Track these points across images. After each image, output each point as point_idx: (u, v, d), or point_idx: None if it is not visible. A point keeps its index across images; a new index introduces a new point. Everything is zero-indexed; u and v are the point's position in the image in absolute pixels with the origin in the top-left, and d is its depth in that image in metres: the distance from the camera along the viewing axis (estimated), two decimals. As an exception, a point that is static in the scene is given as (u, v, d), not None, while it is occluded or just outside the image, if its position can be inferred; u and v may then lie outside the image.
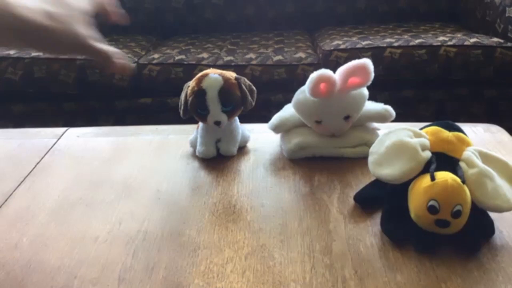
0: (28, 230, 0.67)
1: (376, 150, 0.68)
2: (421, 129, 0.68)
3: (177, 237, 0.65)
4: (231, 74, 0.79)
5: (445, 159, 0.62)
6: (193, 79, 0.80)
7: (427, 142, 0.64)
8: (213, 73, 0.79)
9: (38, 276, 0.58)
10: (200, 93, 0.77)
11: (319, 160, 0.82)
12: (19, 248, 0.64)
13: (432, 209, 0.57)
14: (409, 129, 0.66)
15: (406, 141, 0.64)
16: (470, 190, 0.59)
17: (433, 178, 0.58)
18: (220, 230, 0.66)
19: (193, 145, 0.85)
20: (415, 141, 0.64)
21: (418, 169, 0.62)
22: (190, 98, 0.78)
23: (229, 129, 0.82)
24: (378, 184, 0.69)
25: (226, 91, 0.78)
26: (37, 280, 0.58)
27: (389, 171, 0.64)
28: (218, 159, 0.83)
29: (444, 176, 0.58)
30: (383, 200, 0.67)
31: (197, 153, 0.83)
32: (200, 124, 0.83)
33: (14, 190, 0.77)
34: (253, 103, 0.82)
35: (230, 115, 0.79)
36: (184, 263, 0.60)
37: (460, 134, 0.66)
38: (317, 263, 0.59)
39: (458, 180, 0.58)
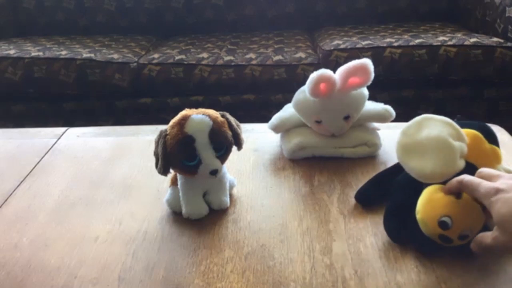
0: (28, 230, 0.67)
1: (411, 133, 0.61)
2: (463, 126, 0.62)
3: (177, 237, 0.65)
4: (215, 112, 0.67)
5: (474, 173, 0.57)
6: (170, 124, 0.66)
7: (465, 150, 0.59)
8: (196, 114, 0.65)
9: (38, 276, 0.58)
10: (186, 140, 0.64)
11: (319, 160, 0.82)
12: (19, 248, 0.64)
13: (443, 225, 0.55)
14: (452, 125, 0.60)
15: (449, 142, 0.59)
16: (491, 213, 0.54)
17: (459, 196, 0.55)
18: (220, 230, 0.66)
19: (173, 206, 0.70)
20: (457, 145, 0.59)
21: (449, 176, 0.57)
22: (173, 149, 0.64)
23: (217, 178, 0.68)
24: (379, 181, 0.68)
25: (217, 133, 0.65)
26: (37, 280, 0.58)
27: (419, 166, 0.59)
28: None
29: (469, 198, 0.55)
30: (385, 198, 0.66)
31: (185, 215, 0.68)
32: (179, 179, 0.69)
33: (14, 190, 0.77)
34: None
35: (223, 160, 0.67)
36: (184, 263, 0.60)
37: (497, 148, 0.62)
38: (317, 263, 0.58)
39: (479, 207, 0.54)
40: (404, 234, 0.61)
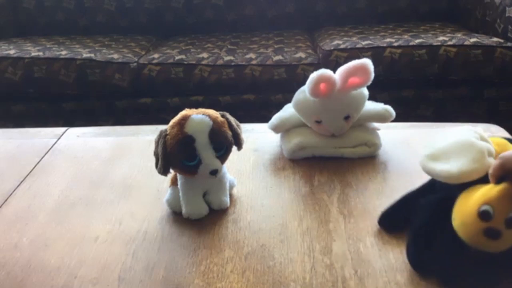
0: (28, 230, 0.67)
1: (433, 145, 0.60)
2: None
3: (177, 237, 0.65)
4: (215, 112, 0.67)
5: None
6: (170, 124, 0.66)
7: (493, 150, 0.57)
8: (196, 114, 0.65)
9: (38, 276, 0.58)
10: (186, 140, 0.63)
11: (319, 160, 0.82)
12: (19, 248, 0.64)
13: (484, 215, 0.50)
14: (476, 131, 0.59)
15: (473, 141, 0.57)
16: None
17: (497, 182, 0.51)
18: (220, 230, 0.66)
19: (173, 206, 0.70)
20: (483, 144, 0.57)
21: (480, 173, 0.54)
22: (173, 149, 0.64)
23: (217, 178, 0.68)
24: (404, 204, 0.64)
25: (217, 133, 0.65)
26: (37, 280, 0.58)
27: (447, 167, 0.56)
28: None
29: (506, 183, 0.51)
30: (410, 222, 0.61)
31: (185, 215, 0.68)
32: (179, 179, 0.69)
33: (14, 190, 0.77)
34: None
35: (223, 160, 0.67)
36: (184, 263, 0.60)
37: None
38: (317, 263, 0.59)
39: None
40: (426, 260, 0.56)
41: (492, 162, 0.54)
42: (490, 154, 0.56)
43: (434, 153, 0.59)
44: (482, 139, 0.58)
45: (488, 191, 0.51)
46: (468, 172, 0.54)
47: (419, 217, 0.59)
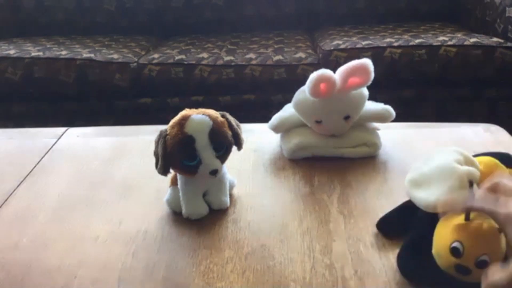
0: (28, 230, 0.67)
1: (418, 167, 0.59)
2: (475, 155, 0.59)
3: (177, 237, 0.65)
4: (215, 112, 0.67)
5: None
6: (170, 124, 0.66)
7: (475, 174, 0.55)
8: (196, 114, 0.65)
9: (38, 276, 0.59)
10: (186, 140, 0.63)
11: (319, 160, 0.82)
12: (19, 248, 0.64)
13: (455, 251, 0.50)
14: (460, 152, 0.57)
15: (452, 167, 0.55)
16: (509, 242, 0.49)
17: (467, 218, 0.50)
18: (220, 230, 0.66)
19: (173, 206, 0.69)
20: (463, 169, 0.55)
21: (459, 203, 0.53)
22: (173, 149, 0.64)
23: (217, 178, 0.68)
24: (403, 210, 0.63)
25: (217, 133, 0.65)
26: (37, 280, 0.58)
27: (425, 196, 0.56)
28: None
29: (481, 218, 0.50)
30: (407, 229, 0.61)
31: (185, 215, 0.68)
32: (179, 179, 0.69)
33: (14, 190, 0.77)
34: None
35: (223, 160, 0.67)
36: (184, 263, 0.60)
37: None
38: (317, 263, 0.59)
39: (496, 226, 0.49)
40: (420, 272, 0.56)
41: (475, 188, 0.53)
42: (471, 179, 0.54)
43: (416, 178, 0.58)
44: (467, 160, 0.57)
45: (461, 227, 0.50)
46: (445, 202, 0.54)
47: (417, 227, 0.59)
